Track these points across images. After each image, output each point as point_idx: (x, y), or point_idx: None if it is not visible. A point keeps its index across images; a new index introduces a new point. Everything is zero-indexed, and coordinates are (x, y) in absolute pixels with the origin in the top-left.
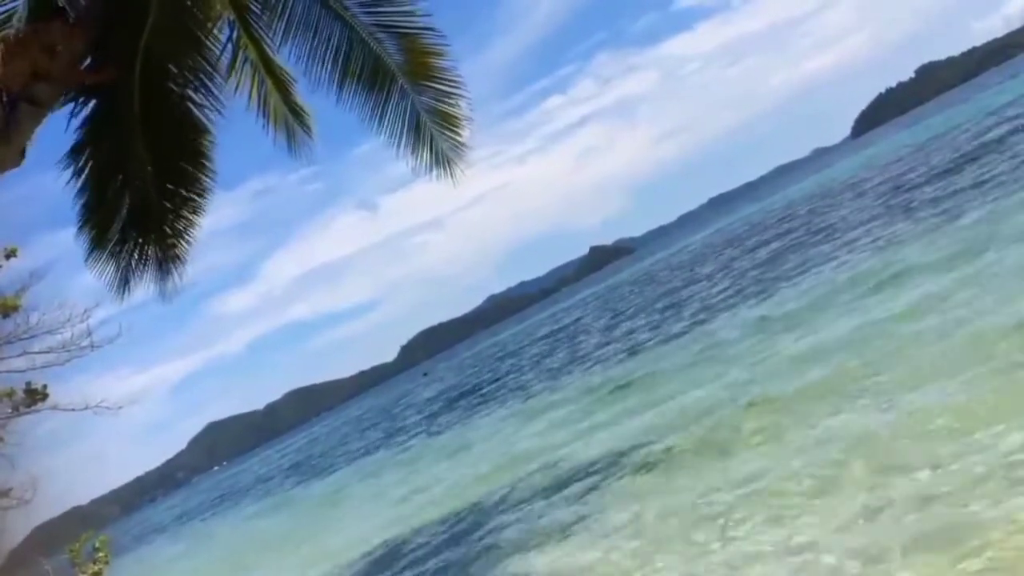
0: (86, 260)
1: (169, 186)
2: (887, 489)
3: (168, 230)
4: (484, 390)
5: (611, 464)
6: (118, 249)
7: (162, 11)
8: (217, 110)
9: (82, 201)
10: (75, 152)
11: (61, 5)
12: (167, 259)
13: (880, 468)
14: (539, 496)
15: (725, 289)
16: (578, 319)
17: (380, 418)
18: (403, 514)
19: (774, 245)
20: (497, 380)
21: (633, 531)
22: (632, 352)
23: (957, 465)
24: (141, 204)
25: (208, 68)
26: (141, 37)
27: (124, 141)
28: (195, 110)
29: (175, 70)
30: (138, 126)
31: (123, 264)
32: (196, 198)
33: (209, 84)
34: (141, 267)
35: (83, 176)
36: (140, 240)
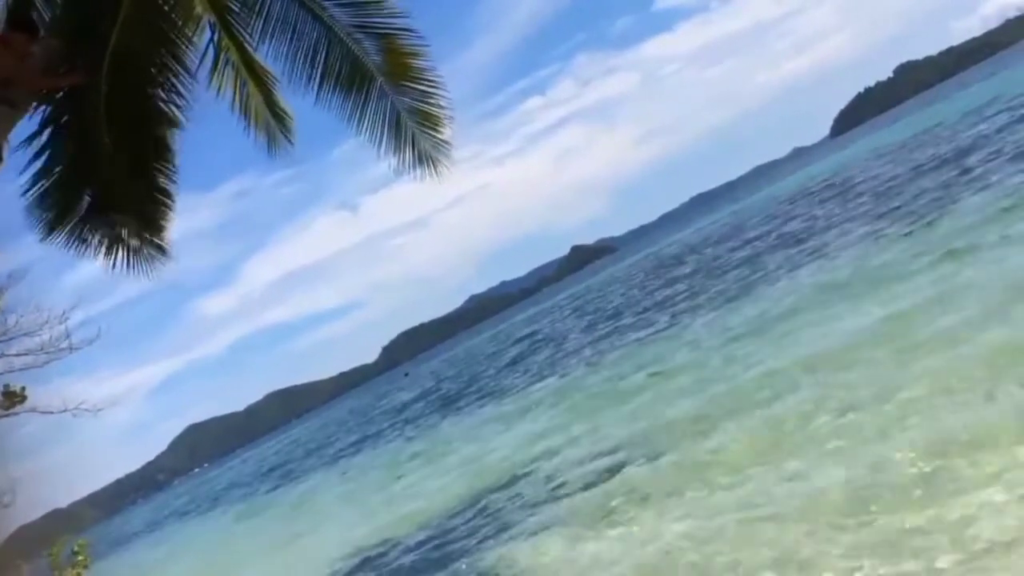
0: (41, 239)
1: (133, 180)
2: None
3: (133, 222)
4: (462, 393)
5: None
6: (77, 232)
7: (134, 13)
8: (182, 109)
9: (42, 190)
10: (39, 151)
11: (31, 14)
12: (131, 249)
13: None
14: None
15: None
16: (554, 321)
17: (359, 420)
18: (382, 519)
19: (747, 247)
20: (474, 383)
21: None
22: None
23: None
24: (104, 197)
25: (178, 68)
26: (111, 39)
27: (88, 138)
28: (163, 109)
29: (145, 70)
30: (103, 123)
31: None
32: (161, 195)
33: (178, 83)
34: (101, 253)
35: (45, 174)
36: (103, 230)
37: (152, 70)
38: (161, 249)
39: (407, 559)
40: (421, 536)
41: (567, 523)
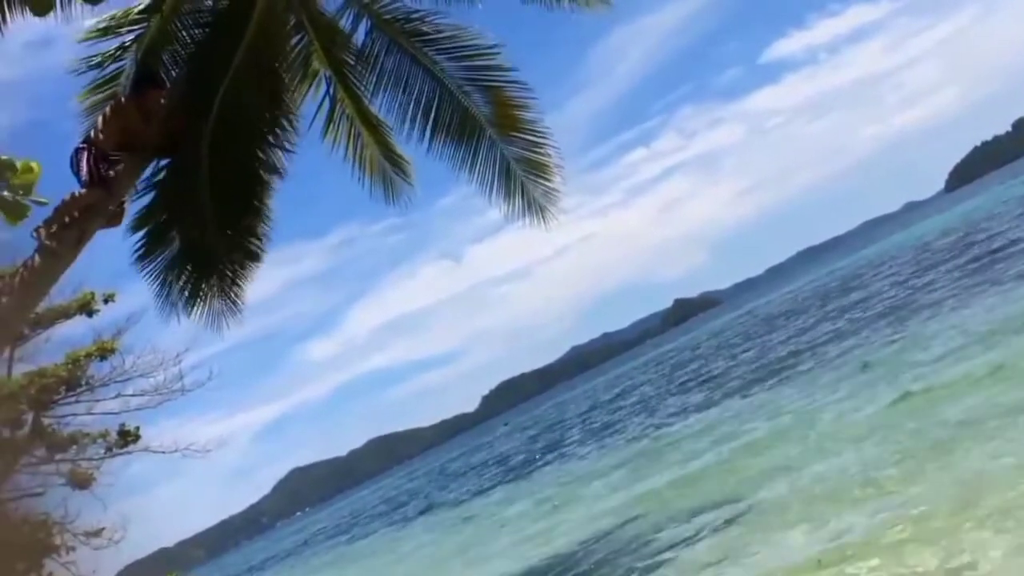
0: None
1: (228, 233)
2: None
3: (226, 273)
4: (562, 448)
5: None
6: (174, 281)
7: (245, 68)
8: (286, 161)
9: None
10: (146, 207)
11: (157, 71)
12: (222, 298)
13: None
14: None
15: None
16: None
17: (463, 469)
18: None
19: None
20: (570, 440)
21: None
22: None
23: None
24: (200, 247)
25: (287, 121)
26: (218, 95)
27: (190, 191)
28: (265, 161)
29: (252, 125)
30: (206, 178)
31: (176, 295)
32: (254, 248)
33: (283, 136)
34: (193, 303)
35: (150, 223)
36: (197, 278)
37: (259, 124)
38: (234, 304)
39: None
40: None
41: None
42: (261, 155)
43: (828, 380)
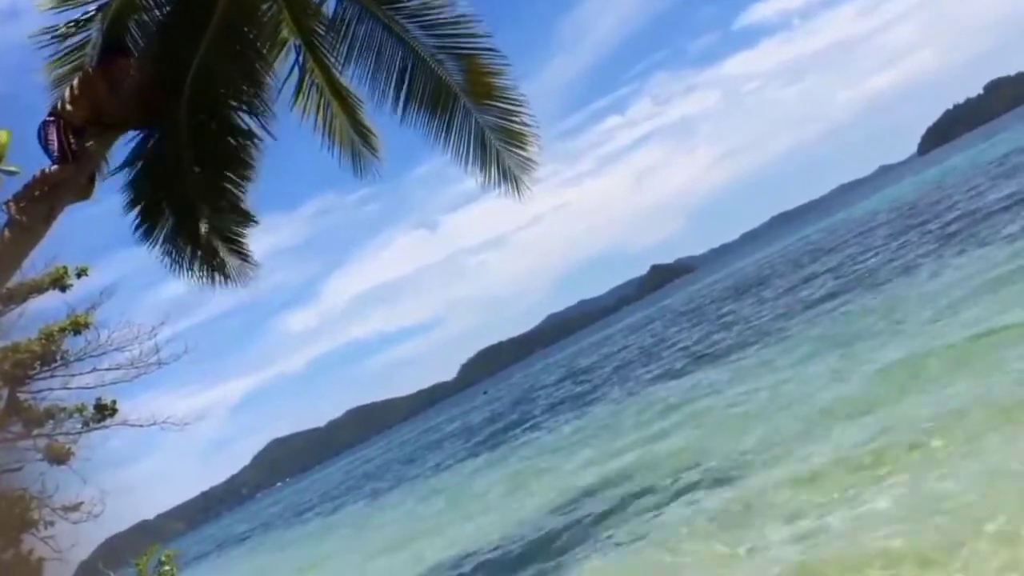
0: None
1: (215, 202)
2: None
3: (220, 243)
4: (538, 414)
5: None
6: (177, 253)
7: (218, 38)
8: (267, 132)
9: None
10: (132, 180)
11: (124, 40)
12: (222, 266)
13: None
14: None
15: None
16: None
17: (445, 438)
18: (457, 536)
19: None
20: (552, 405)
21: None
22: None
23: None
24: (188, 218)
25: (259, 91)
26: (192, 64)
27: (172, 159)
28: (243, 129)
29: (226, 93)
30: (186, 144)
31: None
32: (239, 212)
33: (259, 105)
34: (194, 272)
35: (138, 198)
36: (193, 249)
37: (233, 93)
38: (245, 258)
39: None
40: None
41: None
42: (239, 124)
43: (800, 344)
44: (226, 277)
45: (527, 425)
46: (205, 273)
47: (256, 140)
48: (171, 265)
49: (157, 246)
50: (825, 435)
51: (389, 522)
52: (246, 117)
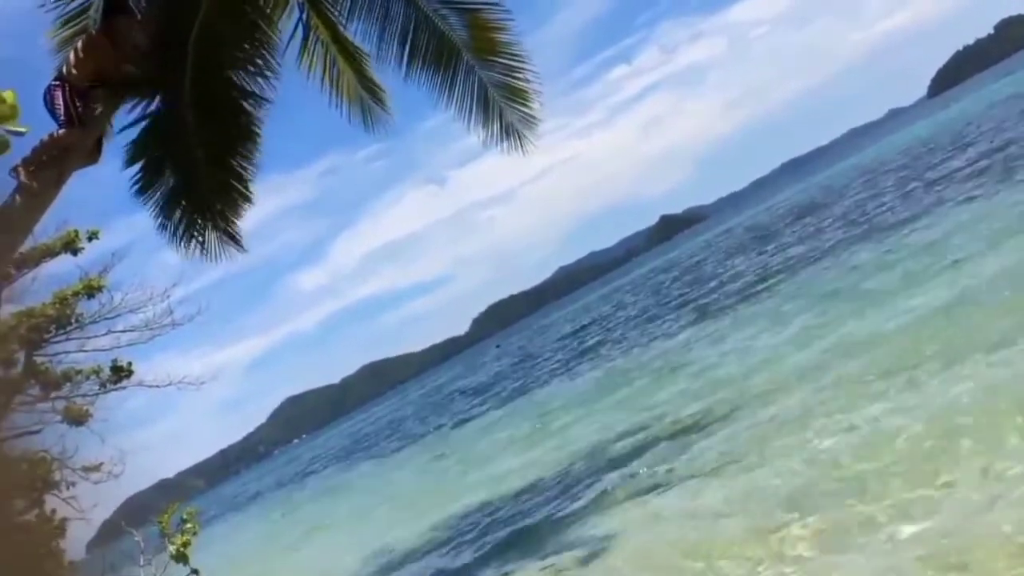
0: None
1: (219, 164)
2: None
3: (220, 206)
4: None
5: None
6: (173, 215)
7: None
8: (268, 89)
9: (141, 182)
10: (135, 142)
11: (127, 2)
12: (217, 231)
13: None
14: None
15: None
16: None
17: (452, 394)
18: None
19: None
20: (558, 359)
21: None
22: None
23: None
24: (192, 181)
25: (265, 49)
26: (194, 25)
27: (177, 126)
28: (248, 91)
29: (230, 54)
30: (190, 110)
31: (175, 228)
32: (245, 179)
33: (263, 64)
34: (192, 236)
35: (138, 159)
36: (192, 211)
37: (237, 53)
38: (233, 237)
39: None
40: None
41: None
42: (244, 85)
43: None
44: (218, 243)
45: (534, 380)
46: (196, 240)
47: (260, 100)
48: (160, 225)
49: (154, 210)
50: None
51: (407, 478)
52: (249, 77)
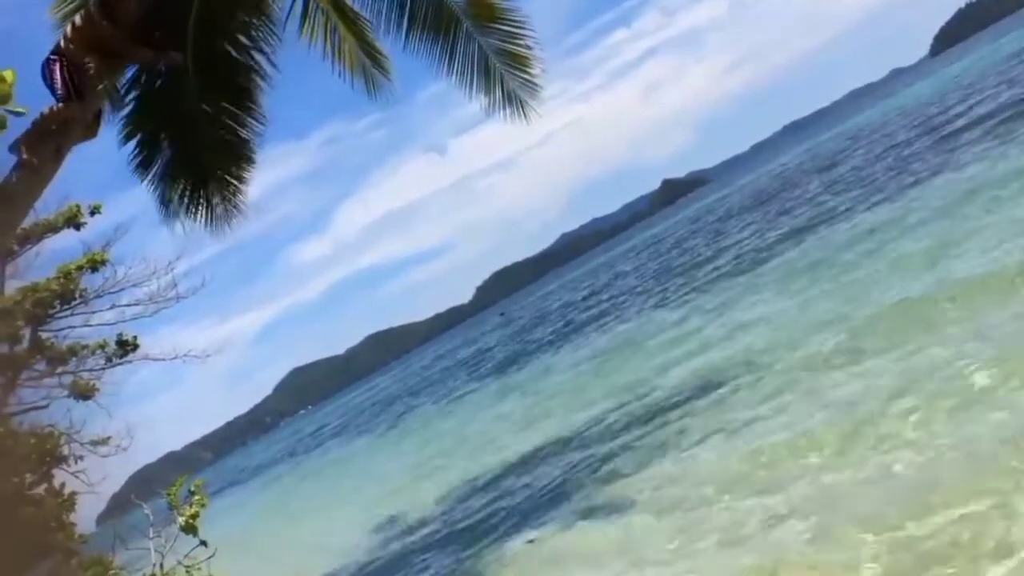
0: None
1: (220, 135)
2: None
3: (223, 177)
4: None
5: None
6: (173, 188)
7: None
8: (268, 60)
9: (140, 157)
10: (131, 116)
11: None
12: (222, 203)
13: None
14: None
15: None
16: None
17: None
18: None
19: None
20: (566, 327)
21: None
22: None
23: None
24: (195, 150)
25: (263, 19)
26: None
27: (178, 94)
28: (248, 63)
29: (229, 25)
30: (192, 77)
31: (176, 202)
32: (247, 149)
33: (263, 35)
34: (194, 209)
35: (140, 132)
36: (194, 184)
37: (237, 23)
38: (237, 206)
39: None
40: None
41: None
42: (245, 56)
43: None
44: (218, 215)
45: (539, 348)
46: (201, 209)
47: (261, 71)
48: (160, 199)
49: (155, 184)
50: None
51: (424, 442)
52: (250, 46)
